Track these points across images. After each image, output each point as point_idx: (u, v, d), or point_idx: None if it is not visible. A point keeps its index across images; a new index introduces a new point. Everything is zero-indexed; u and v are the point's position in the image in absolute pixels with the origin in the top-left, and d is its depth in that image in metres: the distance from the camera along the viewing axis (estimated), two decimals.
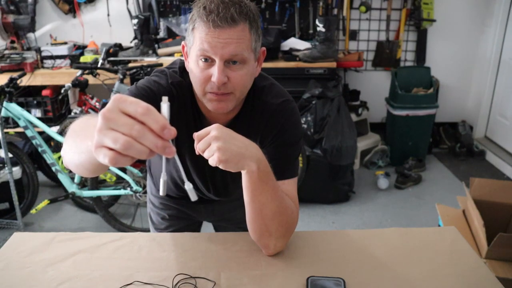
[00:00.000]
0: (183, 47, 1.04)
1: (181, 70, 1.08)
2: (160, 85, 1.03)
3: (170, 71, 1.08)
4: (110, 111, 0.57)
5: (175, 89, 1.04)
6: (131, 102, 0.57)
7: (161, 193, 0.68)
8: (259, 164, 0.90)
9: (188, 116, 1.07)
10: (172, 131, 0.57)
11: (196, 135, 0.86)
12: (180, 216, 1.36)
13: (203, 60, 0.93)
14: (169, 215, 1.36)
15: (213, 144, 0.84)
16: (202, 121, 1.08)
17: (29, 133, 2.51)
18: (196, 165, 1.14)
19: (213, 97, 0.96)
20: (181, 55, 1.07)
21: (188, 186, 0.71)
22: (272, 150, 1.06)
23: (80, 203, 2.94)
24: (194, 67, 0.96)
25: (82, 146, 0.73)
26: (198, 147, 0.86)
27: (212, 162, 0.85)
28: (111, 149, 0.56)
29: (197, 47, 0.93)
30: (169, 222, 1.37)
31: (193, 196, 0.72)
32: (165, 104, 0.62)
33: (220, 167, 0.85)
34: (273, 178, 0.95)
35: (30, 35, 3.52)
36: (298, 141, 1.10)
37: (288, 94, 1.12)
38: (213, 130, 0.85)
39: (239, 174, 0.93)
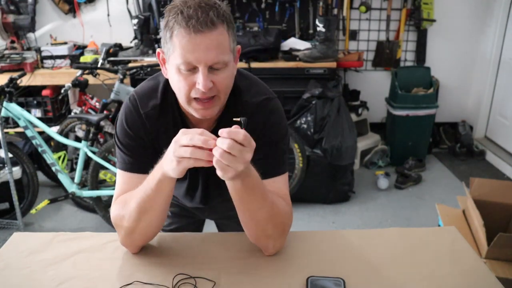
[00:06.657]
0: (158, 54, 1.02)
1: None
2: (133, 116, 1.05)
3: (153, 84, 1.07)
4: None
5: (160, 98, 1.04)
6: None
7: None
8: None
9: (176, 121, 1.06)
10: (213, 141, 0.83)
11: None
12: (182, 214, 1.37)
13: (186, 69, 0.92)
14: (171, 212, 1.37)
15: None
16: (187, 126, 1.06)
17: (29, 133, 2.51)
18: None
19: (199, 106, 0.95)
20: None
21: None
22: (257, 149, 1.05)
23: (80, 203, 2.93)
24: (175, 75, 0.94)
25: (151, 194, 0.94)
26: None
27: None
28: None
29: (178, 56, 0.91)
30: (172, 220, 1.39)
31: None
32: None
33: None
34: (260, 181, 0.94)
35: (30, 35, 3.52)
36: (283, 138, 1.09)
37: (269, 91, 1.10)
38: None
39: None
